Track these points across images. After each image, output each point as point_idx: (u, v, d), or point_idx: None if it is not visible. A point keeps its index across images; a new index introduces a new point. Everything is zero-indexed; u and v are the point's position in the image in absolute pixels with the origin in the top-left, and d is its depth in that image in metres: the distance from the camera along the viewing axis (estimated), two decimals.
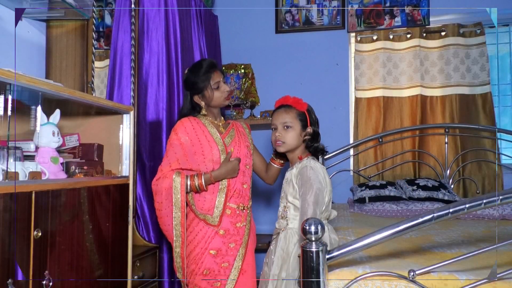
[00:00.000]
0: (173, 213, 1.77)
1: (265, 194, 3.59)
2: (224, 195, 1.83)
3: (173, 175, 1.76)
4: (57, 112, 1.53)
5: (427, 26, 3.38)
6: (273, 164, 2.00)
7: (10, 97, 1.25)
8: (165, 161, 1.83)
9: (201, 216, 1.83)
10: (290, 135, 1.73)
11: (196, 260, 1.80)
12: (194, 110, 1.95)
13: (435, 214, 1.14)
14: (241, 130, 2.03)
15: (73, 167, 1.63)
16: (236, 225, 1.85)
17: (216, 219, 1.82)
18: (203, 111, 1.94)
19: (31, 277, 1.28)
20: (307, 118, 1.76)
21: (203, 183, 1.78)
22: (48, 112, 1.51)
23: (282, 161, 1.99)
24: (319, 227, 1.15)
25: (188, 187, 1.78)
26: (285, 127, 1.74)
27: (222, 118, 2.03)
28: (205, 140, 1.85)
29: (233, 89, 1.92)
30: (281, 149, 1.77)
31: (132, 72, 2.32)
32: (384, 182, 3.09)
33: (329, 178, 1.72)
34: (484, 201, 1.13)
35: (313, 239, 1.15)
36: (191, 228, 1.85)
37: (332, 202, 1.74)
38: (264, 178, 2.08)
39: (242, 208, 1.89)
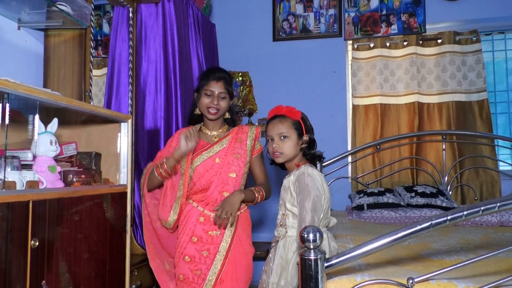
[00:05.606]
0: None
1: (264, 202, 3.57)
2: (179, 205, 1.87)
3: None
4: (55, 121, 1.53)
5: (423, 34, 3.41)
6: None
7: (7, 106, 1.25)
8: None
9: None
10: (287, 145, 1.72)
11: (175, 263, 1.88)
12: (193, 112, 1.97)
13: (433, 221, 1.13)
14: (239, 137, 1.95)
15: (71, 176, 1.63)
16: (208, 233, 1.83)
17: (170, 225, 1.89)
18: (197, 110, 1.94)
19: (28, 287, 1.27)
20: (302, 126, 1.76)
21: (165, 165, 1.80)
22: (45, 121, 1.51)
23: None
24: (318, 235, 1.15)
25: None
26: (282, 138, 1.73)
27: (225, 127, 1.99)
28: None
29: (222, 108, 1.93)
30: (280, 160, 1.76)
31: (130, 80, 2.33)
32: (382, 189, 3.08)
33: (327, 185, 1.71)
34: (482, 208, 1.13)
35: (312, 247, 1.15)
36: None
37: (331, 210, 1.73)
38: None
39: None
